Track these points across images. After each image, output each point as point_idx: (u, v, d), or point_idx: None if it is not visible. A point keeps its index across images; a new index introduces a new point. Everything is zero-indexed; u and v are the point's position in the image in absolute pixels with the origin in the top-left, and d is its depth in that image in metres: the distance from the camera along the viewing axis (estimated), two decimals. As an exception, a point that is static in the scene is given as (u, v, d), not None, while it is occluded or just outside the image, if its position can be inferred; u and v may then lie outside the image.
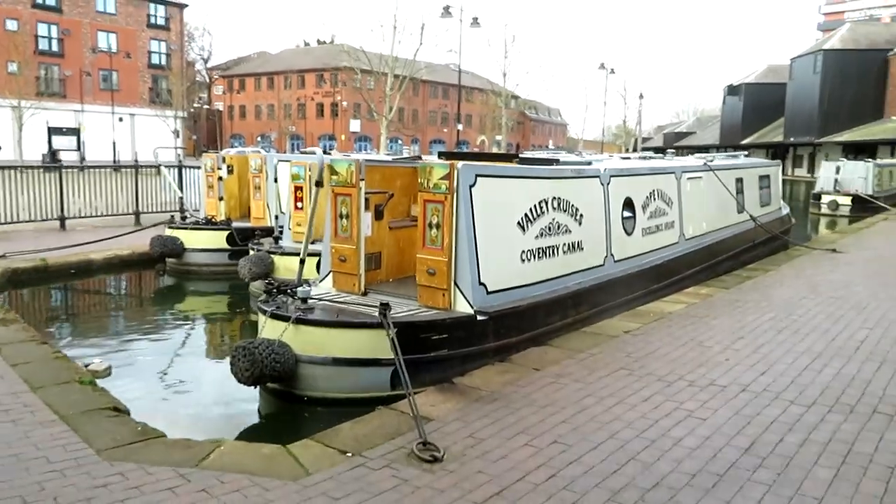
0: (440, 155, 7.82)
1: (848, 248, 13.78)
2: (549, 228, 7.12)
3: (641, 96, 49.51)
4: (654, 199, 9.47)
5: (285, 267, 9.52)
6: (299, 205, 10.24)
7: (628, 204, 8.74)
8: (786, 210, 16.30)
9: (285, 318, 5.65)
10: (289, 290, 6.20)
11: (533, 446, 4.31)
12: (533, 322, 6.68)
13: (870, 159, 29.25)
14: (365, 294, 6.81)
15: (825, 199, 25.26)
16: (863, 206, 23.83)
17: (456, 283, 6.16)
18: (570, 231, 7.45)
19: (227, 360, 5.62)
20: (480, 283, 6.21)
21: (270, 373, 5.39)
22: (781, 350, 6.49)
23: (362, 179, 6.68)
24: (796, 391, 5.38)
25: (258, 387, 5.88)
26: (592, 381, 5.55)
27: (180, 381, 7.22)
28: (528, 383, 5.47)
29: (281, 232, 10.74)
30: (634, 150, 51.49)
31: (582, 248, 7.67)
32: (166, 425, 4.80)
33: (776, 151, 59.14)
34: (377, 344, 5.57)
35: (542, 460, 4.12)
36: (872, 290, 9.39)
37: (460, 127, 40.79)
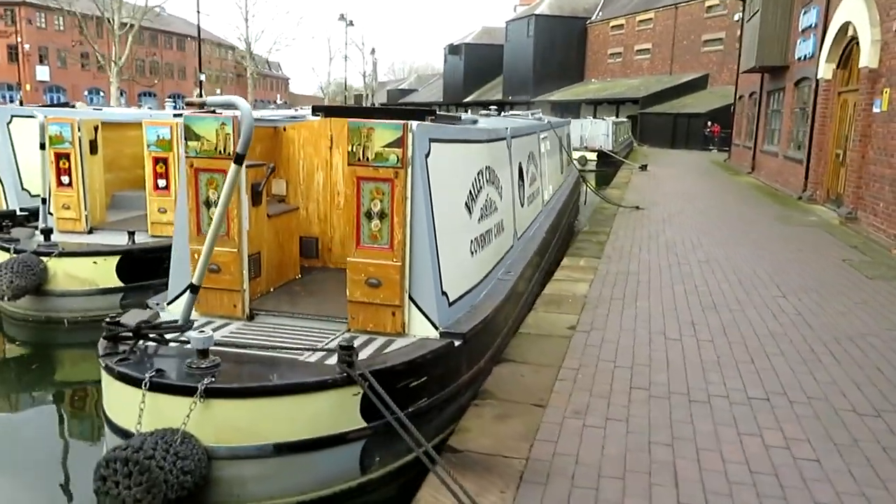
0: (315, 111, 5.63)
1: (644, 204, 14.17)
2: (486, 208, 5.52)
3: (373, 51, 48.61)
4: (532, 162, 8.30)
5: (66, 274, 6.53)
6: (64, 179, 7.17)
7: (519, 170, 7.43)
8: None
9: (185, 390, 3.30)
10: (158, 334, 3.77)
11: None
12: (495, 334, 5.07)
13: (608, 117, 31.84)
14: (251, 319, 4.58)
15: (575, 154, 26.81)
16: (605, 161, 25.72)
17: (411, 297, 4.29)
18: (497, 209, 5.92)
19: (92, 484, 3.09)
20: (443, 293, 4.41)
21: (178, 495, 3.07)
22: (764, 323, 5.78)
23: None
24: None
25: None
26: (622, 414, 4.18)
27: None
28: (553, 433, 3.91)
29: (35, 218, 7.50)
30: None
31: (503, 229, 6.20)
32: None
33: (491, 108, 62.89)
34: (340, 411, 3.55)
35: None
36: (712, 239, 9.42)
37: (203, 77, 35.82)
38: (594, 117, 34.49)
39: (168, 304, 4.70)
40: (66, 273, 6.48)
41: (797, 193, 15.71)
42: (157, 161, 7.11)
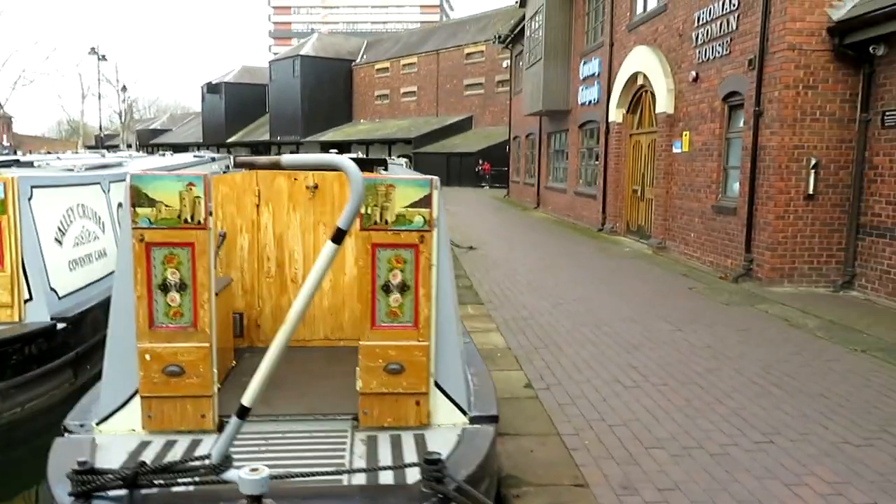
0: (240, 165, 4.65)
1: (464, 243, 14.36)
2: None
3: (125, 88, 44.43)
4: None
5: None
6: None
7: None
8: None
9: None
10: (167, 480, 2.68)
11: None
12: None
13: (395, 157, 32.01)
14: (220, 430, 3.57)
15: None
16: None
17: (437, 384, 3.64)
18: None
19: None
20: (464, 372, 3.81)
21: None
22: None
23: (210, 213, 3.41)
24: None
25: None
26: (666, 482, 3.93)
27: None
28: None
29: None
30: (104, 147, 45.04)
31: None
32: None
33: (260, 149, 60.84)
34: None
35: None
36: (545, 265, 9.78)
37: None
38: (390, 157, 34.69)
39: (98, 423, 3.49)
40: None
41: (595, 226, 17.10)
42: (-16, 224, 5.45)
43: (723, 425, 4.76)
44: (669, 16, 13.24)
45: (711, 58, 11.44)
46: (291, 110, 54.27)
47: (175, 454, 3.27)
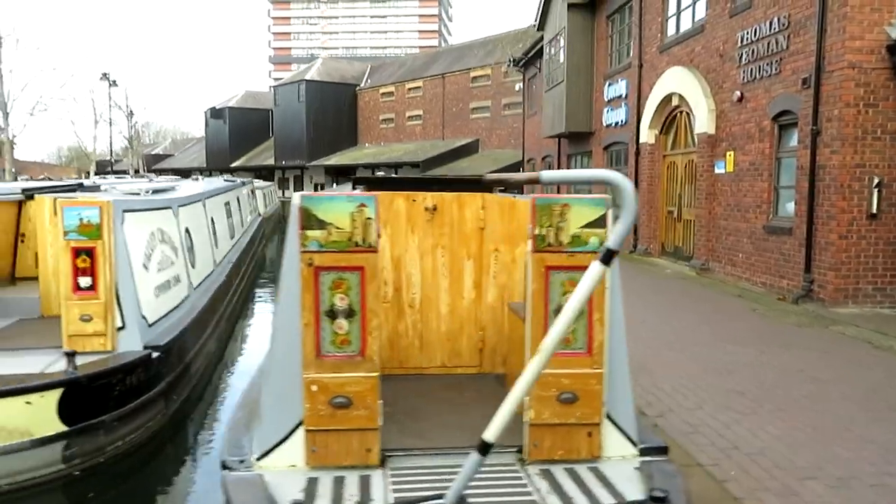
0: (357, 183, 4.51)
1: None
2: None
3: (132, 114, 44.40)
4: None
5: None
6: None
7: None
8: None
9: None
10: None
11: None
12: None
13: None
14: (383, 465, 3.37)
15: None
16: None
17: (608, 416, 3.46)
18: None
19: None
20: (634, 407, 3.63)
21: None
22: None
23: (380, 235, 3.24)
24: None
25: None
26: (835, 513, 3.73)
27: None
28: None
29: None
30: (113, 173, 44.77)
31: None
32: None
33: (263, 174, 60.85)
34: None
35: None
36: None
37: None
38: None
39: (259, 458, 3.29)
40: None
41: (626, 248, 16.97)
42: (77, 253, 5.23)
43: (863, 453, 4.57)
44: (707, 36, 13.23)
45: (758, 77, 11.39)
46: (296, 134, 54.33)
47: (350, 493, 3.08)
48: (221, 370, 8.37)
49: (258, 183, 27.44)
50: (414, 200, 4.70)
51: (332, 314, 3.22)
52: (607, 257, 2.22)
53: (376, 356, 3.27)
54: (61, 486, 4.75)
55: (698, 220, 13.52)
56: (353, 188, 4.54)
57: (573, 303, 2.24)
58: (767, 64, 11.08)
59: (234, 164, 61.46)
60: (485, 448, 2.34)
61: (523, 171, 31.06)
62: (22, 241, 7.40)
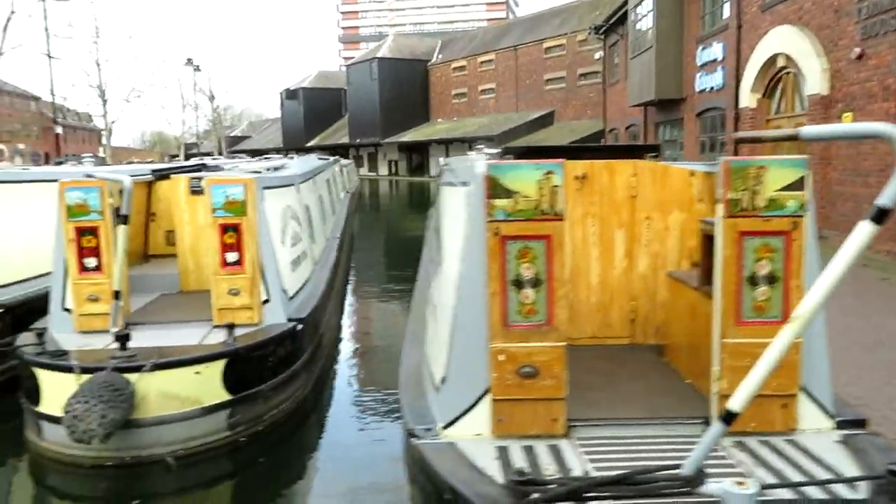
0: (507, 152, 4.44)
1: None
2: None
3: (213, 98, 45.64)
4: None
5: (160, 394, 4.61)
6: (90, 262, 5.27)
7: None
8: None
9: None
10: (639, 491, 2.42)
11: None
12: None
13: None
14: (566, 435, 3.31)
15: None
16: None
17: (804, 387, 3.30)
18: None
19: None
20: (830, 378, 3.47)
21: None
22: None
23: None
24: None
25: None
26: None
27: None
28: None
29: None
30: (195, 154, 46.10)
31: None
32: None
33: (339, 152, 61.73)
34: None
35: None
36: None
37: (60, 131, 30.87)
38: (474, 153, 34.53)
39: (445, 427, 3.29)
40: (160, 392, 4.57)
41: (724, 217, 16.36)
42: (224, 229, 5.38)
43: None
44: (819, -9, 12.47)
45: (881, 32, 10.66)
46: (370, 112, 54.76)
47: (545, 462, 3.04)
48: (342, 342, 8.55)
49: (342, 161, 27.83)
50: None
51: (519, 283, 3.18)
52: (879, 216, 2.07)
53: (563, 326, 3.21)
54: (228, 453, 4.93)
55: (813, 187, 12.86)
56: (502, 158, 4.47)
57: (837, 267, 2.10)
58: (894, 17, 10.35)
59: (309, 144, 62.51)
60: (729, 417, 2.24)
61: (605, 142, 30.39)
62: (153, 220, 7.70)
